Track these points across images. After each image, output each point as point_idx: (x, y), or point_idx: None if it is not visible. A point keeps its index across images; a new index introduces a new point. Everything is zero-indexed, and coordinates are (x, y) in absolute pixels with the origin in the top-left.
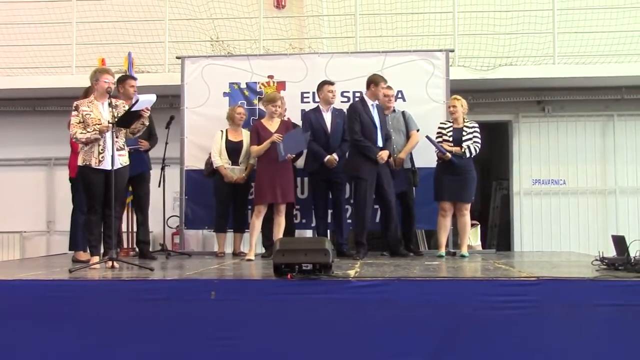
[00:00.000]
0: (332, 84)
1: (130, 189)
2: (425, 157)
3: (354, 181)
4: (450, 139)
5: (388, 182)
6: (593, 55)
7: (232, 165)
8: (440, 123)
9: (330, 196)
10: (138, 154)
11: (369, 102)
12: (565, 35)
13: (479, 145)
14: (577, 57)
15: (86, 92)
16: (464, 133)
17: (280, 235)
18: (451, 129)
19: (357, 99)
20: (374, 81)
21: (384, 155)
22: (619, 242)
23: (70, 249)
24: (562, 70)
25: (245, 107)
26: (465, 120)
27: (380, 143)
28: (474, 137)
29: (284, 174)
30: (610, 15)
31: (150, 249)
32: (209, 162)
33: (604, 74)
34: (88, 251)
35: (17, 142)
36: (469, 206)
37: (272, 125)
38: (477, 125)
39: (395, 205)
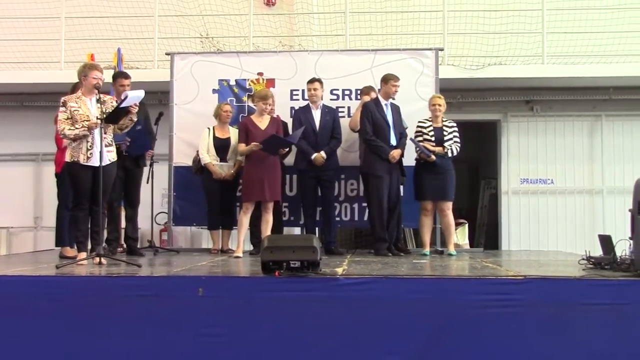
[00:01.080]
0: (312, 81)
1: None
2: (406, 156)
3: (368, 178)
4: (432, 138)
5: (396, 181)
6: (582, 55)
7: (220, 162)
8: (419, 122)
9: (320, 194)
10: (139, 136)
11: (383, 102)
12: (554, 35)
13: (459, 145)
14: (565, 57)
15: (73, 88)
16: (445, 132)
17: (268, 233)
18: (431, 128)
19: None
20: (384, 79)
21: (395, 154)
22: (606, 242)
23: (56, 245)
24: (551, 70)
25: (235, 104)
26: (444, 120)
27: (393, 142)
28: (454, 136)
29: (271, 171)
30: (599, 16)
31: (139, 246)
32: (196, 160)
33: (592, 74)
34: (75, 247)
35: (5, 137)
36: (450, 204)
37: (262, 122)
38: (455, 124)
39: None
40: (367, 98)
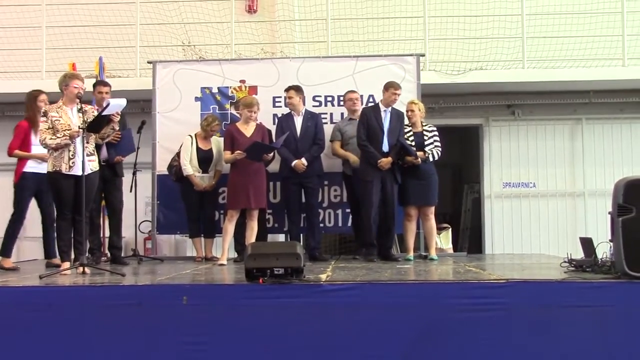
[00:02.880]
0: (287, 90)
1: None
2: None
3: (361, 183)
4: (413, 143)
5: (392, 188)
6: (561, 59)
7: (201, 173)
8: None
9: (303, 200)
10: (127, 135)
11: (382, 108)
12: (534, 40)
13: (440, 150)
14: (546, 62)
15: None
16: (425, 137)
17: (253, 240)
18: (411, 133)
19: (329, 103)
20: (385, 86)
21: (383, 163)
22: (587, 244)
23: (45, 257)
24: (532, 75)
25: (217, 111)
26: (424, 124)
27: (385, 148)
28: (435, 141)
29: (256, 178)
30: (578, 21)
31: (122, 254)
32: (172, 165)
33: (573, 78)
34: (59, 257)
35: None
36: (433, 209)
37: (248, 129)
38: (435, 129)
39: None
40: (350, 103)
